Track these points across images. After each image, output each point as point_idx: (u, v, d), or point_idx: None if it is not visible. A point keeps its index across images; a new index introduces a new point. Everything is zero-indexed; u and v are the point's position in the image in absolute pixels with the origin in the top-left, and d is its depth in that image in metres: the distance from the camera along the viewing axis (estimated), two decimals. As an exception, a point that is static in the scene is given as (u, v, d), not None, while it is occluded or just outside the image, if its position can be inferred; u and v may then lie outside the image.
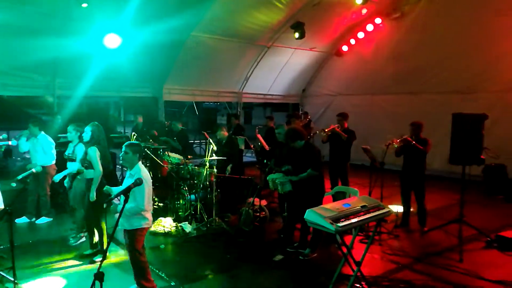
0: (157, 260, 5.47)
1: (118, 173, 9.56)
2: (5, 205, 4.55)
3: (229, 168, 7.19)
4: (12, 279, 4.33)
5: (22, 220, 6.95)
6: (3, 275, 4.66)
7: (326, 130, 7.55)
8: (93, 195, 5.17)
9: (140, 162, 4.39)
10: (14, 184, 4.96)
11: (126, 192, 3.33)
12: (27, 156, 7.32)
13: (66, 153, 5.93)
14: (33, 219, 6.98)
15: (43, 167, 6.44)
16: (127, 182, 4.32)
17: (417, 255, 5.74)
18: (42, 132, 6.88)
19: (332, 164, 7.78)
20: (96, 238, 5.51)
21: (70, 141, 5.94)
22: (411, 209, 6.98)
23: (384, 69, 12.40)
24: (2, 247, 5.25)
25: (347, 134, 7.45)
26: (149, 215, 4.39)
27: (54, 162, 6.90)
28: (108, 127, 12.44)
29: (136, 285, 4.42)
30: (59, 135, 7.87)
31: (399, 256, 5.69)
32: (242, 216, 6.70)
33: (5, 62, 8.56)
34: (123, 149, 4.30)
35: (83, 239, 6.04)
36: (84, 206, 5.48)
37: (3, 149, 6.13)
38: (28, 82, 9.41)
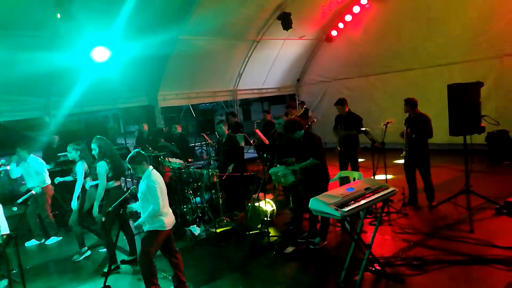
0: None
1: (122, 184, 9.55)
2: (10, 230, 4.54)
3: (230, 168, 7.16)
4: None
5: (31, 243, 6.97)
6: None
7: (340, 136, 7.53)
8: (95, 211, 5.16)
9: (150, 167, 4.50)
10: (15, 208, 4.97)
11: (122, 203, 3.31)
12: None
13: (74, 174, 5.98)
14: (43, 240, 7.00)
15: (42, 188, 6.41)
16: (141, 186, 4.44)
17: (428, 231, 5.71)
18: (32, 155, 6.81)
19: (342, 150, 7.68)
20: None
21: (70, 160, 5.96)
22: (417, 186, 6.94)
23: (375, 49, 12.32)
24: (14, 271, 5.25)
25: (352, 120, 7.36)
26: (166, 219, 4.40)
27: (49, 182, 6.88)
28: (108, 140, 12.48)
29: None
30: (59, 154, 7.87)
31: (410, 234, 5.66)
32: (249, 212, 6.68)
33: (-3, 89, 8.56)
34: (129, 166, 4.46)
35: (88, 252, 6.07)
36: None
37: (1, 175, 6.11)
38: (23, 106, 9.41)
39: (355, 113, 7.53)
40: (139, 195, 4.41)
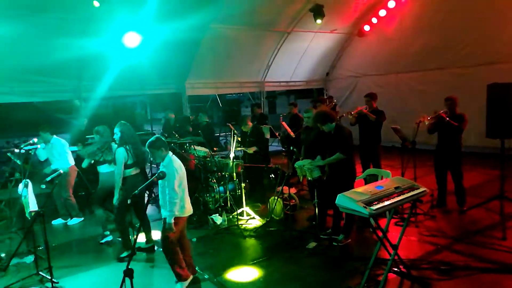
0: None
1: (147, 170, 9.64)
2: (38, 208, 4.64)
3: (252, 149, 7.09)
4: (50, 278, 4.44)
5: (57, 222, 7.15)
6: (42, 275, 4.79)
7: (353, 112, 7.32)
8: (116, 197, 5.19)
9: (170, 153, 4.43)
10: (43, 186, 5.06)
11: (149, 187, 3.30)
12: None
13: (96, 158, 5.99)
14: (68, 219, 7.14)
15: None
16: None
17: (457, 235, 5.50)
18: (55, 136, 6.87)
19: (363, 147, 7.54)
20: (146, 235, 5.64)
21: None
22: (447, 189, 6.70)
23: (408, 46, 11.96)
24: (40, 248, 5.37)
25: (375, 114, 7.17)
26: (187, 205, 4.43)
27: (72, 163, 6.94)
28: (135, 126, 12.63)
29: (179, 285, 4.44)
30: (87, 136, 7.98)
31: (437, 237, 5.47)
32: (271, 205, 6.62)
33: (31, 70, 8.75)
34: (148, 151, 4.38)
35: (110, 237, 6.13)
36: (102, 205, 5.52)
37: (32, 153, 6.24)
38: (55, 87, 9.61)
39: (381, 110, 7.33)
40: (159, 181, 4.29)
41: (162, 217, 4.39)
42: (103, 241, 6.06)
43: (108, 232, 6.14)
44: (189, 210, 4.50)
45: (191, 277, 4.50)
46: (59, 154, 6.72)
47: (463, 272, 4.43)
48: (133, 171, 5.40)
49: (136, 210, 5.62)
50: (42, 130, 6.79)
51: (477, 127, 6.68)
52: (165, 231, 4.30)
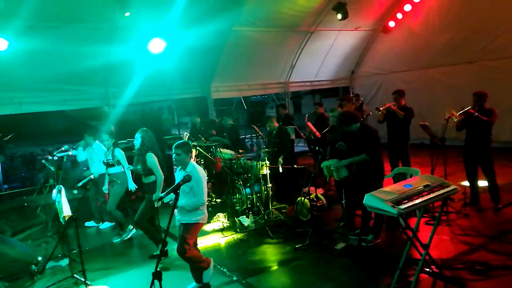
0: (218, 255, 5.52)
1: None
2: (71, 212, 4.79)
3: (280, 159, 7.09)
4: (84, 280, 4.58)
5: (90, 224, 7.37)
6: (77, 278, 4.94)
7: (381, 108, 7.20)
8: (156, 197, 5.29)
9: (192, 160, 4.44)
10: (75, 191, 5.24)
11: (176, 190, 3.34)
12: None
13: (105, 159, 6.30)
14: (100, 223, 7.34)
15: (101, 174, 6.70)
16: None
17: (492, 234, 5.30)
18: (97, 141, 7.07)
19: (391, 145, 7.39)
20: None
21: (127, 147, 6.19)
22: (480, 186, 6.47)
23: (436, 40, 11.64)
24: (74, 251, 5.55)
25: (404, 111, 7.03)
26: (205, 211, 4.45)
27: None
28: (162, 130, 12.84)
29: (195, 283, 4.50)
30: (119, 141, 8.19)
31: (471, 236, 5.30)
32: (298, 206, 6.59)
33: (60, 79, 9.04)
34: (173, 151, 4.32)
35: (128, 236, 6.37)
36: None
37: (64, 159, 6.48)
38: (84, 95, 9.87)
39: (409, 107, 7.17)
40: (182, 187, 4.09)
41: (178, 223, 4.42)
42: (118, 239, 6.29)
43: (126, 235, 6.38)
44: (206, 217, 4.51)
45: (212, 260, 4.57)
46: (98, 160, 6.88)
47: (499, 272, 4.27)
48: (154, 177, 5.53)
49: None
50: (87, 133, 7.06)
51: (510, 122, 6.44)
52: (186, 236, 4.29)
